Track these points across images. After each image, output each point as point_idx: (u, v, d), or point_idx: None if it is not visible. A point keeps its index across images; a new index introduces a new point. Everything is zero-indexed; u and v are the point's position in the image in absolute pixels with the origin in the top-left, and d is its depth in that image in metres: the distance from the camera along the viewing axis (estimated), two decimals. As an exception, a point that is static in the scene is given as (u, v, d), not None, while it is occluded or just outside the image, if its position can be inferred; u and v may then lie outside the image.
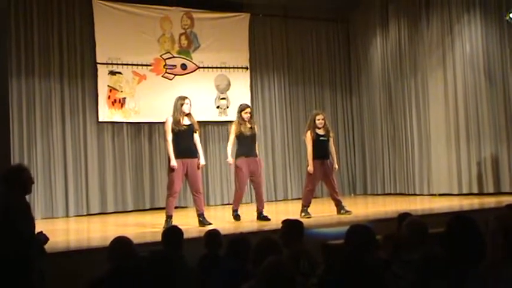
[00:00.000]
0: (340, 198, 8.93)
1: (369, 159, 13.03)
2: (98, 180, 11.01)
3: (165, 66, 11.73)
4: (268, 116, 12.72)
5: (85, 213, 10.75)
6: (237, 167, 8.38)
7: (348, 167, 13.38)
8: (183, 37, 11.97)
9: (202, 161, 8.11)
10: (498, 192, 10.35)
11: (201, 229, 7.36)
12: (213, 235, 4.88)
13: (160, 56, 11.70)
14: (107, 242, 4.15)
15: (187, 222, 8.11)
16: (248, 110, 8.46)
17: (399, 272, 3.80)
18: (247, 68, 12.48)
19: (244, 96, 12.34)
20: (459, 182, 10.92)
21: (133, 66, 11.44)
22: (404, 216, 5.03)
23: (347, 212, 8.67)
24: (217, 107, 12.10)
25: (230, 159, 8.43)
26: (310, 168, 8.63)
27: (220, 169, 11.94)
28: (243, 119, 8.37)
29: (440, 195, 11.15)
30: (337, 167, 9.08)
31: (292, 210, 9.25)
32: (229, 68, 12.32)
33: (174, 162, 7.77)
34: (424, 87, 11.62)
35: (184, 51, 11.96)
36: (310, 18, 13.24)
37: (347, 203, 8.93)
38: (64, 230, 9.10)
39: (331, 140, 8.87)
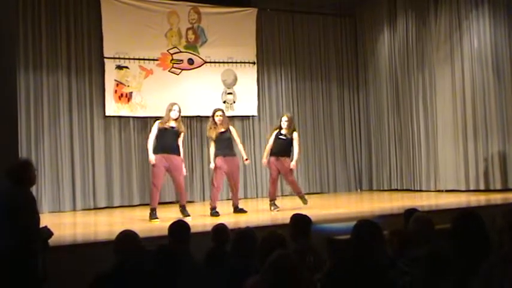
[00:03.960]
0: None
1: (375, 154, 13.01)
2: (104, 174, 11.04)
3: (172, 61, 11.73)
4: (274, 111, 12.70)
5: (92, 207, 10.80)
6: (214, 167, 8.88)
7: (354, 163, 13.37)
8: (190, 32, 11.97)
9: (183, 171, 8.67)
10: (505, 189, 10.32)
11: (206, 223, 7.41)
12: (221, 229, 4.88)
13: (167, 50, 11.70)
14: (114, 236, 4.16)
15: (192, 216, 8.22)
16: (219, 113, 9.00)
17: (405, 268, 3.80)
18: (254, 63, 12.47)
19: (251, 91, 12.37)
20: (466, 178, 10.89)
21: (140, 61, 11.45)
22: (410, 212, 5.03)
23: (276, 207, 9.13)
24: (224, 102, 12.09)
25: (212, 164, 8.88)
26: (264, 161, 9.47)
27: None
28: (215, 122, 8.90)
29: (447, 191, 11.12)
30: (292, 166, 9.39)
31: (298, 205, 9.28)
32: (236, 62, 12.31)
33: (151, 158, 8.41)
34: (432, 83, 11.58)
35: (192, 46, 11.96)
36: (318, 13, 13.21)
37: (353, 199, 8.98)
38: (71, 223, 9.14)
39: (294, 140, 9.38)
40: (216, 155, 8.84)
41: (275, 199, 9.40)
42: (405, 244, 4.16)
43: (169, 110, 8.47)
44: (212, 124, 8.93)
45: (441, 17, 11.40)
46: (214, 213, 8.67)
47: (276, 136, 9.38)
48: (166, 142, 8.39)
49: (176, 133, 8.47)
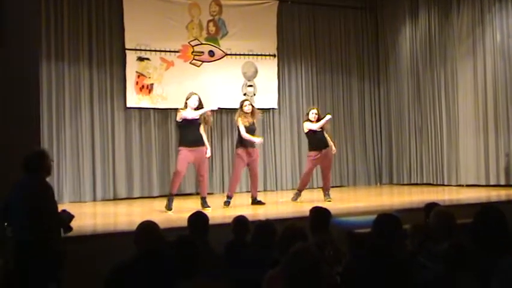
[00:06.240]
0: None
1: (395, 148, 12.93)
2: (124, 165, 11.10)
3: (193, 53, 11.75)
4: (294, 103, 12.68)
5: (112, 198, 10.87)
6: (237, 156, 8.93)
7: (374, 156, 13.31)
8: (211, 24, 11.97)
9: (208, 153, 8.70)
10: (527, 184, 10.23)
11: (225, 215, 7.43)
12: (241, 221, 4.89)
13: (188, 42, 11.72)
14: (133, 227, 4.18)
15: (212, 208, 8.27)
16: (247, 102, 9.09)
17: (426, 263, 3.78)
18: (274, 56, 12.44)
19: (271, 84, 12.35)
20: (486, 173, 10.79)
21: (162, 53, 11.48)
22: (431, 206, 5.00)
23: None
24: (244, 94, 12.08)
25: (258, 139, 8.94)
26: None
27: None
28: (244, 112, 8.94)
29: (467, 186, 11.04)
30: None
31: (317, 198, 9.28)
32: (257, 55, 12.29)
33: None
34: (453, 77, 11.48)
35: (212, 38, 11.96)
36: (339, 5, 13.15)
37: (373, 192, 8.96)
38: (91, 213, 9.21)
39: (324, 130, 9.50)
40: (238, 145, 8.91)
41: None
42: (426, 238, 4.14)
43: (187, 98, 8.57)
44: (241, 113, 8.95)
45: (464, 10, 11.28)
46: (226, 202, 8.75)
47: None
48: (190, 135, 8.43)
49: (197, 123, 8.52)
